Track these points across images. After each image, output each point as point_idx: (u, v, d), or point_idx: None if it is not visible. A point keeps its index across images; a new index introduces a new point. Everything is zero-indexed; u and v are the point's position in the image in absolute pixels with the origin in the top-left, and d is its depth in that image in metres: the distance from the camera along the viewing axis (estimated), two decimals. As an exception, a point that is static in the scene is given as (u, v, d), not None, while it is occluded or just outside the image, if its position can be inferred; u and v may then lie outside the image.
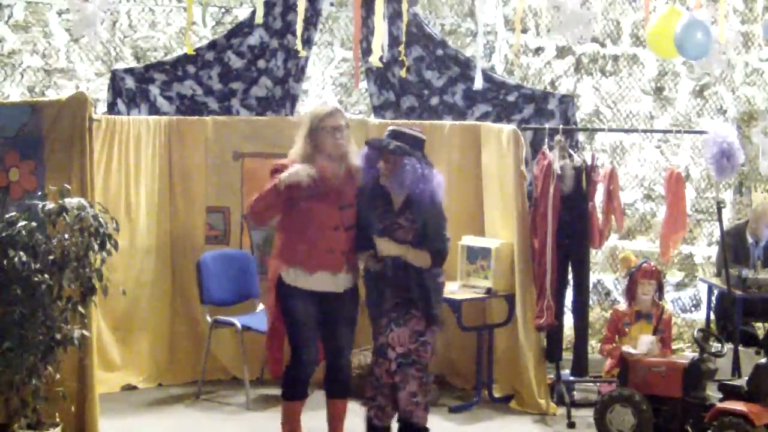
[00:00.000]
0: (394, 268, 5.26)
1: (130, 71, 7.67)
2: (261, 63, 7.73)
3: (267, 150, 7.30)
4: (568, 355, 7.15)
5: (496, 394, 6.91)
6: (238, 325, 6.76)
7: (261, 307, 7.12)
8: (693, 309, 9.40)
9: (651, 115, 9.54)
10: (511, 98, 7.62)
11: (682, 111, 9.51)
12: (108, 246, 5.36)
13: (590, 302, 7.72)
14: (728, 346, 6.52)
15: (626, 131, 9.36)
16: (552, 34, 8.93)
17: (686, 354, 6.88)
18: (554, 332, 6.72)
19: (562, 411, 6.53)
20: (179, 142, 7.29)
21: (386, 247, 5.27)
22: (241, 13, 9.25)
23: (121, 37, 9.46)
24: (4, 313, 5.17)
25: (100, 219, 5.33)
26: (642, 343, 6.26)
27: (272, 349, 5.47)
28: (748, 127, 9.31)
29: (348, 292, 5.37)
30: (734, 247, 7.76)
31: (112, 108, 7.50)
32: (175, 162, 7.29)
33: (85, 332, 5.38)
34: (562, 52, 9.49)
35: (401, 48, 7.28)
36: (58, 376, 5.39)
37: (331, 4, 9.27)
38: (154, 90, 7.60)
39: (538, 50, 9.52)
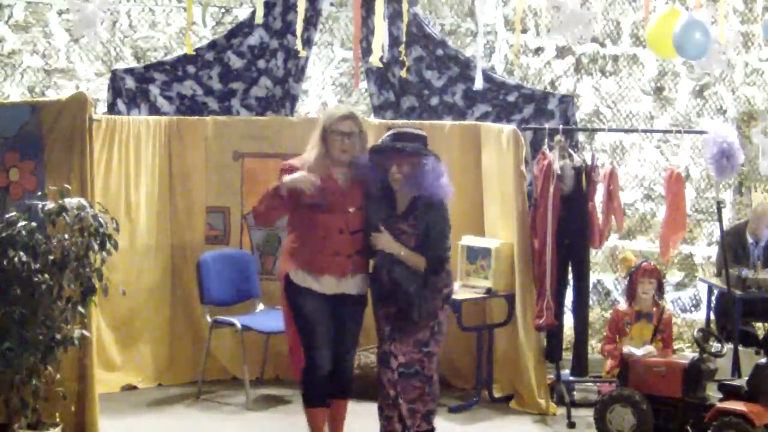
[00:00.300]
0: (389, 274, 5.15)
1: (130, 71, 7.67)
2: (261, 63, 7.73)
3: (267, 150, 7.31)
4: (568, 355, 7.16)
5: (496, 394, 6.91)
6: (238, 325, 6.76)
7: (261, 307, 7.13)
8: (693, 309, 9.40)
9: (651, 115, 9.54)
10: (511, 98, 7.62)
11: (682, 111, 9.51)
12: (108, 246, 5.36)
13: (590, 302, 7.72)
14: (728, 346, 6.51)
15: (626, 131, 9.36)
16: (552, 34, 8.92)
17: (686, 354, 6.89)
18: (554, 332, 6.71)
19: (562, 411, 6.53)
20: (179, 142, 7.29)
21: (381, 241, 5.17)
22: (241, 13, 9.25)
23: (121, 37, 9.46)
24: (4, 313, 5.17)
25: (100, 219, 5.33)
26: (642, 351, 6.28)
27: (293, 348, 5.36)
28: (748, 127, 9.31)
29: (355, 295, 5.29)
30: (734, 247, 7.76)
31: (112, 108, 7.51)
32: (175, 162, 7.29)
33: (85, 332, 5.38)
34: (562, 52, 9.49)
35: (401, 48, 7.29)
36: (58, 376, 5.39)
37: (331, 4, 9.27)
38: (154, 90, 7.61)
39: (538, 50, 9.52)
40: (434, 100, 7.74)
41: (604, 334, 6.95)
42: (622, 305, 6.88)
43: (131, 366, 7.10)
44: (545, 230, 6.49)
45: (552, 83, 9.45)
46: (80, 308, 5.34)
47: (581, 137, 8.28)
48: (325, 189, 5.13)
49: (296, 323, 5.26)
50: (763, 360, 5.89)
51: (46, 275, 5.20)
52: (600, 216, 6.81)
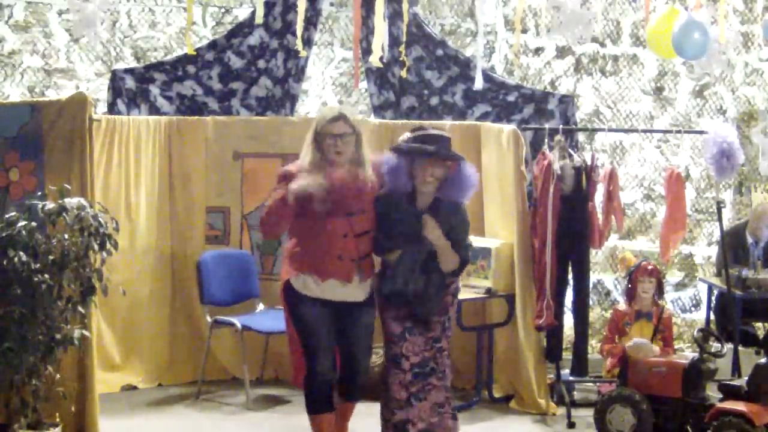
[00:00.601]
0: (410, 278, 5.03)
1: (130, 71, 7.68)
2: (261, 63, 7.74)
3: (267, 150, 7.32)
4: (568, 355, 7.15)
5: (496, 394, 6.91)
6: (238, 325, 6.76)
7: (261, 307, 7.13)
8: (693, 309, 9.40)
9: (651, 115, 9.54)
10: (511, 98, 7.63)
11: (682, 111, 9.51)
12: (108, 246, 5.36)
13: (590, 302, 7.72)
14: (728, 346, 6.51)
15: (626, 131, 9.36)
16: (552, 34, 8.92)
17: (686, 354, 6.89)
18: (554, 332, 6.72)
19: (562, 411, 6.53)
20: (179, 142, 7.30)
21: (430, 225, 5.03)
22: (241, 13, 9.25)
23: (121, 37, 9.46)
24: (4, 313, 5.17)
25: (100, 219, 5.33)
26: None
27: (294, 353, 5.29)
28: (748, 127, 9.31)
29: (364, 302, 5.18)
30: (734, 247, 7.75)
31: (112, 108, 7.51)
32: (175, 162, 7.30)
33: (85, 332, 5.38)
34: (562, 52, 9.49)
35: (401, 48, 7.29)
36: (58, 376, 5.39)
37: (331, 4, 9.27)
38: (154, 90, 7.61)
39: (538, 50, 9.52)
40: (434, 100, 7.74)
41: (604, 334, 6.95)
42: (622, 305, 6.88)
43: (131, 366, 7.11)
44: (545, 230, 6.49)
45: (552, 83, 9.46)
46: (80, 308, 5.34)
47: (581, 137, 8.29)
48: (333, 188, 5.01)
49: (296, 330, 5.17)
50: (763, 360, 5.89)
51: (46, 275, 5.19)
52: (600, 216, 6.81)
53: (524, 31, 9.36)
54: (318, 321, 5.11)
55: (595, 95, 9.54)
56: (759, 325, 8.06)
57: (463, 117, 7.63)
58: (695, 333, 6.21)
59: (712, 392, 6.05)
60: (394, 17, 7.50)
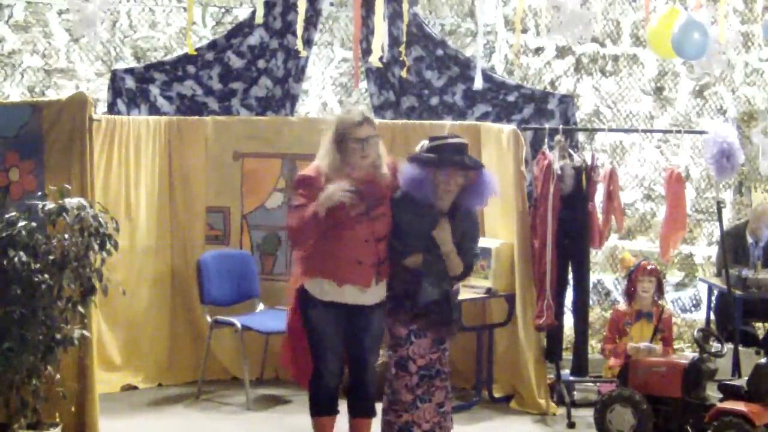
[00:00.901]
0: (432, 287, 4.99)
1: (130, 71, 7.68)
2: (261, 63, 7.74)
3: (267, 150, 7.32)
4: (568, 355, 7.16)
5: (496, 394, 6.91)
6: (238, 325, 6.76)
7: (261, 307, 7.13)
8: (693, 309, 9.40)
9: (651, 115, 9.54)
10: (511, 98, 7.63)
11: (682, 111, 9.51)
12: (108, 246, 5.35)
13: (590, 302, 7.72)
14: (728, 346, 6.52)
15: (626, 131, 9.36)
16: (552, 34, 8.91)
17: (686, 354, 6.89)
18: (554, 332, 6.72)
19: (562, 411, 6.53)
20: (179, 142, 7.30)
21: (444, 233, 4.98)
22: (241, 13, 9.25)
23: (121, 37, 9.46)
24: (4, 313, 5.16)
25: (100, 219, 5.32)
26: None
27: (287, 349, 5.25)
28: (748, 127, 9.31)
29: (377, 305, 5.11)
30: (734, 247, 7.76)
31: (112, 108, 7.51)
32: (175, 162, 7.30)
33: (85, 332, 5.37)
34: (562, 52, 9.49)
35: (401, 48, 7.29)
36: (58, 376, 5.38)
37: (331, 4, 9.27)
38: (154, 90, 7.61)
39: (538, 50, 9.52)
40: (434, 100, 7.74)
41: (604, 334, 6.95)
42: (622, 305, 6.87)
43: (131, 366, 7.10)
44: (545, 230, 6.49)
45: (552, 83, 9.45)
46: (80, 308, 5.33)
47: (581, 137, 8.29)
48: (360, 192, 4.89)
49: (306, 333, 5.11)
50: (763, 360, 5.89)
51: (46, 275, 5.19)
52: (600, 216, 6.81)
53: (524, 31, 9.36)
54: (330, 324, 5.07)
55: (595, 95, 9.53)
56: (759, 325, 8.06)
57: (463, 117, 7.63)
58: (695, 333, 6.21)
59: (712, 392, 6.05)
60: (394, 17, 7.50)
